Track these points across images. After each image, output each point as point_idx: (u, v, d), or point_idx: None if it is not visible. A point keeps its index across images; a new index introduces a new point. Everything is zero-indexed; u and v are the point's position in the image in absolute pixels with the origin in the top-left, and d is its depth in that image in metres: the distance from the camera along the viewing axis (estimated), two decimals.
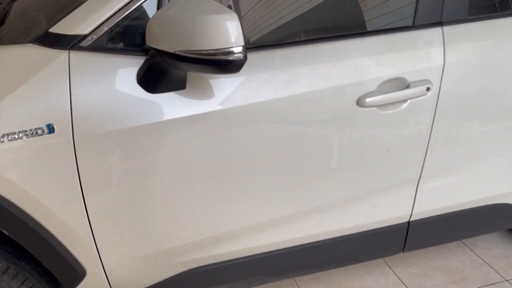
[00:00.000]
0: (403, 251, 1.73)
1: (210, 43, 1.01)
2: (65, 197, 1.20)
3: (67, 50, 1.16)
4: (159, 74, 1.17)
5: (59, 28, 1.17)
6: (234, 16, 1.01)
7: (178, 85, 1.21)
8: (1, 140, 1.10)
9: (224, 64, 1.02)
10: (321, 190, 1.45)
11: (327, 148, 1.39)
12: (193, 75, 1.22)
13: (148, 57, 1.18)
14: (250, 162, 1.33)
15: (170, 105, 1.21)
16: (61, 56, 1.15)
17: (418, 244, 1.74)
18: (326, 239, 1.57)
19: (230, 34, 1.00)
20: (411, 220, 1.64)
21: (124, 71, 1.19)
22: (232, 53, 1.01)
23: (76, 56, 1.16)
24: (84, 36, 1.17)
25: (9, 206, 1.15)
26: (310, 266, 1.63)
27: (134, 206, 1.28)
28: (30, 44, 1.18)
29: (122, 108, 1.18)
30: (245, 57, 1.03)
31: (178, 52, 1.06)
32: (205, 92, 1.23)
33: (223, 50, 1.01)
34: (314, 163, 1.40)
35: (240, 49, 1.01)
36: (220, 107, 1.24)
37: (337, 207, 1.51)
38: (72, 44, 1.16)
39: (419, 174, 1.55)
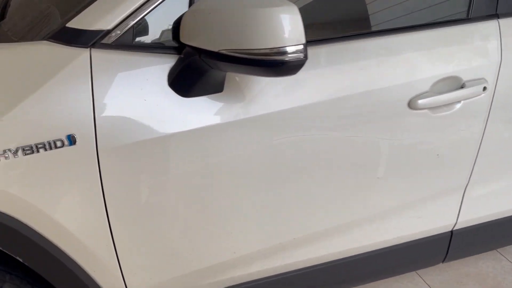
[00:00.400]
0: (443, 262, 1.60)
1: (264, 41, 0.86)
2: (87, 218, 1.04)
3: (88, 48, 1.00)
4: (196, 76, 1.02)
5: (78, 22, 1.01)
6: (294, 8, 0.86)
7: (215, 87, 1.06)
8: (15, 154, 0.94)
9: (279, 65, 0.87)
10: (365, 201, 1.31)
11: (375, 155, 1.25)
12: (232, 76, 1.07)
13: (182, 56, 1.03)
14: (292, 173, 1.19)
15: (206, 110, 1.06)
16: (81, 55, 0.99)
17: (460, 254, 1.62)
18: (365, 252, 1.43)
19: (290, 30, 0.85)
20: (454, 229, 1.52)
21: (154, 72, 1.03)
22: (289, 52, 0.86)
23: (99, 55, 1.00)
24: (108, 32, 1.00)
25: (23, 230, 0.99)
26: (347, 281, 1.50)
27: (163, 224, 1.13)
28: (45, 42, 1.01)
29: (153, 115, 1.03)
30: (306, 57, 0.88)
31: (223, 52, 0.91)
32: (245, 95, 1.08)
33: (278, 49, 0.86)
34: (360, 172, 1.26)
35: (300, 47, 0.86)
36: (261, 112, 1.09)
37: (379, 219, 1.38)
38: (94, 41, 1.00)
39: (467, 180, 1.42)
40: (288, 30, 0.85)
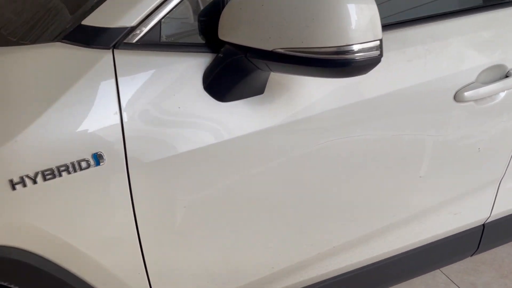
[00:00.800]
0: (472, 255, 1.55)
1: (333, 38, 0.73)
2: (117, 248, 0.91)
3: (110, 49, 0.84)
4: (237, 77, 0.89)
5: (96, 19, 0.85)
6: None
7: (256, 89, 0.93)
8: (35, 180, 0.79)
9: (351, 65, 0.75)
10: (405, 202, 1.22)
11: (418, 153, 1.16)
12: (273, 75, 0.94)
13: (220, 55, 0.89)
14: (336, 177, 1.08)
15: (247, 116, 0.93)
16: (103, 57, 0.84)
17: (490, 246, 1.56)
18: (399, 254, 1.35)
19: (368, 24, 0.72)
20: (486, 222, 1.45)
21: (187, 75, 0.89)
22: (364, 50, 0.74)
23: (124, 57, 0.85)
24: (132, 29, 0.85)
25: (45, 266, 0.85)
26: (379, 283, 1.42)
27: (201, 246, 1.01)
28: (58, 43, 0.85)
29: (189, 124, 0.89)
30: (382, 54, 0.76)
31: (279, 51, 0.78)
32: (289, 95, 0.96)
33: (350, 47, 0.74)
34: (403, 173, 1.16)
35: (377, 43, 0.74)
36: (306, 113, 0.97)
37: (417, 219, 1.29)
38: (117, 40, 0.85)
39: (503, 173, 1.35)
40: (365, 24, 0.72)
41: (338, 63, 0.75)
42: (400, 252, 1.35)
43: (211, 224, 0.99)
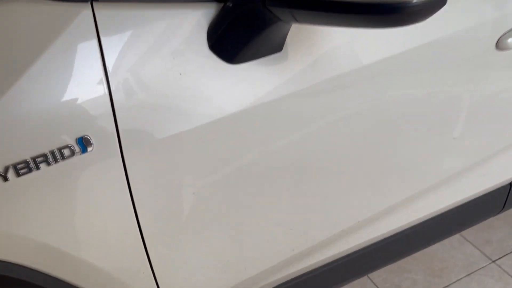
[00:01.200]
0: (496, 215, 1.44)
1: None
2: (117, 249, 0.75)
3: (89, 2, 0.65)
4: (252, 32, 0.71)
5: None
6: None
7: (274, 47, 0.75)
8: (5, 177, 0.62)
9: (404, 9, 0.58)
10: (437, 167, 1.09)
11: (454, 112, 1.01)
12: (293, 29, 0.76)
13: (229, 4, 0.70)
14: (365, 144, 0.93)
15: (264, 80, 0.76)
16: (80, 13, 0.65)
17: None
18: (426, 220, 1.23)
19: None
20: None
21: (188, 32, 0.71)
22: None
23: (106, 11, 0.66)
24: None
25: (32, 278, 0.69)
26: (407, 250, 1.31)
27: (213, 234, 0.86)
28: None
29: (194, 93, 0.72)
30: None
31: None
32: (312, 53, 0.79)
33: None
34: (437, 134, 1.02)
35: None
36: (333, 73, 0.80)
37: (446, 184, 1.16)
38: None
39: None
40: None
41: (387, 8, 0.57)
42: (427, 218, 1.23)
43: (224, 209, 0.83)
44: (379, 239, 1.17)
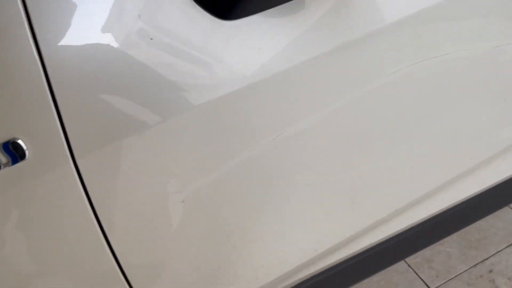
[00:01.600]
0: None
1: None
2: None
3: None
4: None
5: None
6: None
7: None
8: None
9: None
10: (473, 148, 0.87)
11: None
12: None
13: None
14: (408, 120, 0.71)
15: (270, 40, 0.54)
16: None
17: None
18: (462, 203, 1.04)
19: None
20: None
21: None
22: None
23: None
24: None
25: None
26: (445, 232, 1.13)
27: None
28: None
29: (172, 68, 0.50)
30: None
31: None
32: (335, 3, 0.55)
33: None
34: (490, 103, 0.79)
35: None
36: (369, 28, 0.58)
37: (495, 157, 0.95)
38: None
39: None
40: None
41: None
42: (462, 201, 1.03)
43: (216, 220, 0.63)
44: (414, 224, 0.99)
